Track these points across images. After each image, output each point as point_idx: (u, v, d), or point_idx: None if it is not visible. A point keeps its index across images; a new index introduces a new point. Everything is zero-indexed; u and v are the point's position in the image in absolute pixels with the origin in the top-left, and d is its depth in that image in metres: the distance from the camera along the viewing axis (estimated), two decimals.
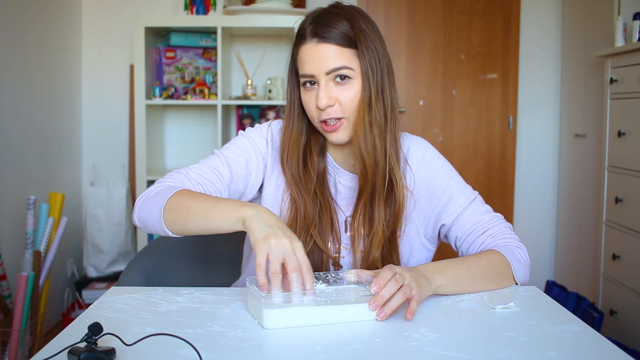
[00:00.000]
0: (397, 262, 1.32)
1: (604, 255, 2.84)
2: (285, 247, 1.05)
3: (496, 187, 3.69)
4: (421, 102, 3.67)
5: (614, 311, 2.72)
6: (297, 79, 1.28)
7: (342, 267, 1.33)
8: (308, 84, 1.24)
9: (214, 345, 0.95)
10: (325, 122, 1.25)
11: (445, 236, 1.39)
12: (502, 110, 3.68)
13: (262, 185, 1.36)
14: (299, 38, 1.25)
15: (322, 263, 1.30)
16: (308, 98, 1.25)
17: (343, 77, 1.22)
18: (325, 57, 1.21)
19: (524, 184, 3.78)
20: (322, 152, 1.34)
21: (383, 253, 1.30)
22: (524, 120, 3.75)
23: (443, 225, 1.36)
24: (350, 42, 1.22)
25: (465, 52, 3.66)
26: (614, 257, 2.72)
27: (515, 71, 3.65)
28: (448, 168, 1.38)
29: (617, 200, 2.70)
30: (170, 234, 1.21)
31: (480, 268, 1.23)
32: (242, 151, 1.33)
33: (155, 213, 1.20)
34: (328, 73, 1.22)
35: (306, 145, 1.32)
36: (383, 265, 1.29)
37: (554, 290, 3.07)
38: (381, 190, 1.28)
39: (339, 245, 1.32)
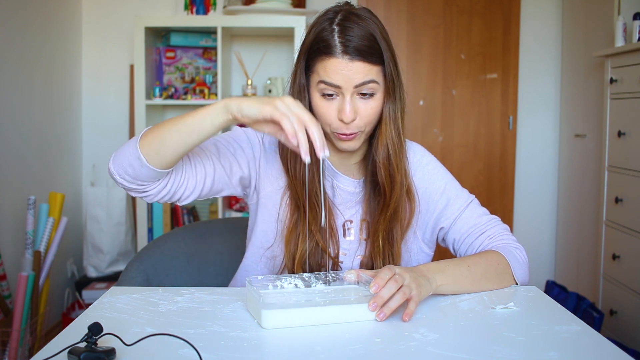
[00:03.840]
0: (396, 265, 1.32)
1: (604, 255, 2.84)
2: (291, 102, 1.07)
3: (496, 187, 3.69)
4: (421, 102, 3.67)
5: (614, 311, 2.72)
6: (307, 82, 1.26)
7: (341, 269, 1.33)
8: (327, 95, 1.21)
9: (213, 345, 0.95)
10: (339, 133, 1.24)
11: (443, 239, 1.39)
12: (502, 110, 3.68)
13: (248, 186, 1.35)
14: (324, 50, 1.19)
15: (320, 267, 1.30)
16: (327, 107, 1.22)
17: (368, 92, 1.21)
18: (356, 72, 1.19)
19: (524, 184, 3.78)
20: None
21: (383, 259, 1.30)
22: (524, 120, 3.75)
23: (442, 228, 1.37)
24: (378, 59, 1.21)
25: (465, 52, 3.66)
26: (614, 257, 2.72)
27: (515, 71, 3.65)
28: (444, 172, 1.39)
29: (617, 200, 2.70)
30: (145, 162, 1.14)
31: (481, 268, 1.24)
32: (233, 140, 1.32)
33: (131, 145, 1.16)
34: (357, 86, 1.19)
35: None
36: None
37: (554, 290, 3.07)
38: (400, 203, 1.29)
39: (338, 249, 1.32)
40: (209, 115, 1.11)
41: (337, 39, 1.18)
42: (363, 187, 1.34)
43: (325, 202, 1.30)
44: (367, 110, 1.22)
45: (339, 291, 1.13)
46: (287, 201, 1.31)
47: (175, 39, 3.44)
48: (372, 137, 1.30)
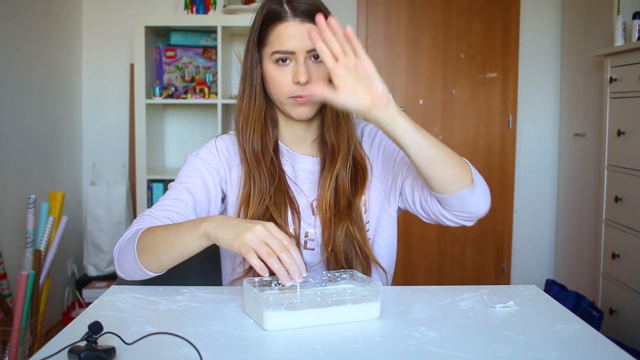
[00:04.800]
0: (363, 235, 1.34)
1: (603, 254, 2.84)
2: (260, 232, 1.06)
3: (496, 186, 3.69)
4: (421, 102, 3.67)
5: (613, 310, 2.72)
6: (260, 57, 1.31)
7: (300, 244, 1.34)
8: (281, 61, 1.27)
9: (214, 344, 0.95)
10: (294, 97, 1.28)
11: (403, 192, 1.37)
12: (501, 110, 3.69)
13: (225, 196, 1.38)
14: (276, 17, 1.26)
15: None
16: (282, 74, 1.27)
17: (319, 56, 1.25)
18: (308, 36, 1.23)
19: (523, 183, 3.78)
20: (274, 127, 1.38)
21: (348, 228, 1.32)
22: (524, 120, 3.75)
23: (401, 173, 1.36)
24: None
25: (465, 52, 3.66)
26: (614, 256, 2.72)
27: (515, 70, 3.65)
28: None
29: (616, 199, 2.70)
30: (153, 275, 1.22)
31: (440, 143, 1.21)
32: (195, 172, 1.35)
33: (131, 260, 1.21)
34: (309, 51, 1.26)
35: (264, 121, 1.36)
36: (347, 239, 1.31)
37: (553, 289, 3.07)
38: (347, 162, 1.33)
39: (299, 224, 1.33)
40: (195, 242, 1.14)
41: (286, 6, 1.27)
42: (322, 164, 1.37)
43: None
44: (319, 75, 1.27)
45: (340, 292, 1.13)
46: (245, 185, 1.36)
47: (175, 38, 3.44)
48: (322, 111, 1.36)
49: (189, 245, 1.15)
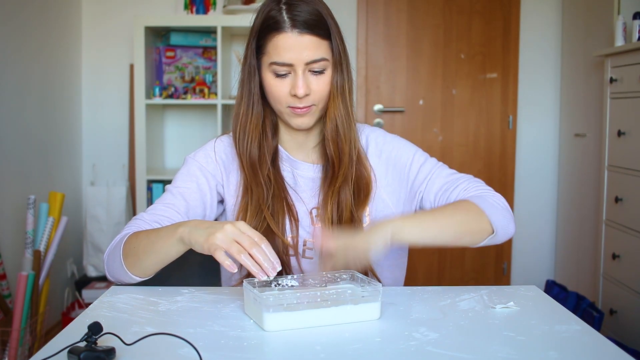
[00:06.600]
0: None
1: (603, 255, 2.84)
2: (230, 231, 1.06)
3: (496, 187, 3.63)
4: (421, 102, 3.67)
5: (613, 310, 2.72)
6: (258, 64, 1.29)
7: (298, 252, 1.33)
8: (279, 72, 1.25)
9: (213, 345, 0.95)
10: (293, 107, 1.27)
11: (422, 208, 1.39)
12: (501, 110, 3.68)
13: (223, 200, 1.38)
14: (274, 26, 1.23)
15: (276, 250, 1.28)
16: (280, 85, 1.25)
17: (319, 70, 1.25)
18: (306, 48, 1.23)
19: (524, 184, 3.77)
20: (274, 132, 1.36)
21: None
22: (524, 120, 3.75)
23: (420, 192, 1.37)
24: (326, 33, 1.25)
25: (465, 52, 3.66)
26: (614, 256, 2.72)
27: (515, 70, 3.65)
28: (410, 145, 1.42)
29: (617, 199, 2.70)
30: (139, 279, 1.23)
31: (447, 211, 1.23)
32: (190, 176, 1.35)
33: (118, 265, 1.22)
34: (308, 63, 1.23)
35: (262, 129, 1.34)
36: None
37: (553, 289, 3.07)
38: (349, 175, 1.32)
39: (297, 232, 1.33)
40: (172, 247, 1.15)
41: (285, 15, 1.23)
42: (323, 172, 1.36)
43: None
44: (319, 86, 1.25)
45: (340, 292, 1.13)
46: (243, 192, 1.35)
47: (175, 39, 3.44)
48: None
49: (168, 251, 1.16)
